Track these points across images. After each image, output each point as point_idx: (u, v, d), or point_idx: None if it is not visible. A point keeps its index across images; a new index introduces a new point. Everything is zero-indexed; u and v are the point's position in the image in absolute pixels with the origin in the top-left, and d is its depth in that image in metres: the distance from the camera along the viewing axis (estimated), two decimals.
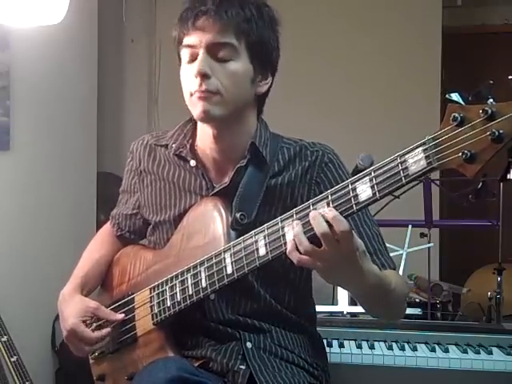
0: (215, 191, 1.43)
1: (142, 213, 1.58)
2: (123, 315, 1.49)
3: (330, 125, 3.85)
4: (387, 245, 2.42)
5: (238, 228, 1.35)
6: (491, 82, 1.09)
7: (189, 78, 1.38)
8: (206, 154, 1.46)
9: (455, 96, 1.09)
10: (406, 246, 2.41)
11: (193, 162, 1.45)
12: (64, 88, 3.17)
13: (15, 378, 2.33)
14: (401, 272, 2.35)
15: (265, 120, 1.51)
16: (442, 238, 3.77)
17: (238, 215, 1.36)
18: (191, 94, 1.38)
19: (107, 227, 1.69)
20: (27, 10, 1.96)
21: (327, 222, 1.14)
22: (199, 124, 1.46)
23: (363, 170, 2.86)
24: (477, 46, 4.53)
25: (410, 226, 2.47)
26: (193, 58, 1.38)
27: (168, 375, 1.22)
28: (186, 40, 1.38)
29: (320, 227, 1.14)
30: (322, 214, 1.15)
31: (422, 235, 2.57)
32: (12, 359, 2.33)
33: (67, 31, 2.83)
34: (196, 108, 1.38)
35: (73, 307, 1.50)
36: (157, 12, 4.11)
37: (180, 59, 1.44)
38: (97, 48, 3.49)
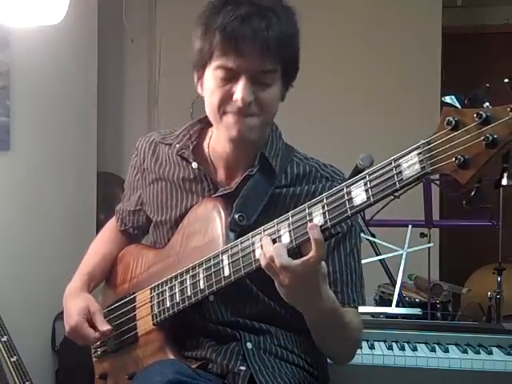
0: (217, 195, 1.42)
1: (144, 209, 1.58)
2: (110, 327, 1.49)
3: (330, 125, 3.85)
4: (387, 244, 2.45)
5: (236, 229, 1.34)
6: (488, 85, 1.06)
7: (221, 97, 1.33)
8: (220, 157, 1.45)
9: (451, 99, 1.06)
10: (406, 246, 2.41)
11: (194, 165, 1.45)
12: (64, 88, 3.16)
13: (15, 377, 2.33)
14: (401, 272, 2.36)
15: (280, 130, 1.49)
16: (442, 238, 3.76)
17: (236, 216, 1.35)
18: (224, 112, 1.34)
19: (113, 222, 1.70)
20: (27, 10, 1.96)
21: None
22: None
23: (363, 170, 2.87)
24: (477, 46, 4.53)
25: (410, 226, 2.47)
26: (228, 78, 1.31)
27: (165, 379, 1.21)
28: (224, 62, 1.31)
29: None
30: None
31: (422, 235, 2.57)
32: (12, 359, 2.33)
33: (67, 31, 2.83)
34: (230, 129, 1.34)
35: (78, 304, 1.52)
36: (157, 12, 4.11)
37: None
38: (97, 48, 3.48)
